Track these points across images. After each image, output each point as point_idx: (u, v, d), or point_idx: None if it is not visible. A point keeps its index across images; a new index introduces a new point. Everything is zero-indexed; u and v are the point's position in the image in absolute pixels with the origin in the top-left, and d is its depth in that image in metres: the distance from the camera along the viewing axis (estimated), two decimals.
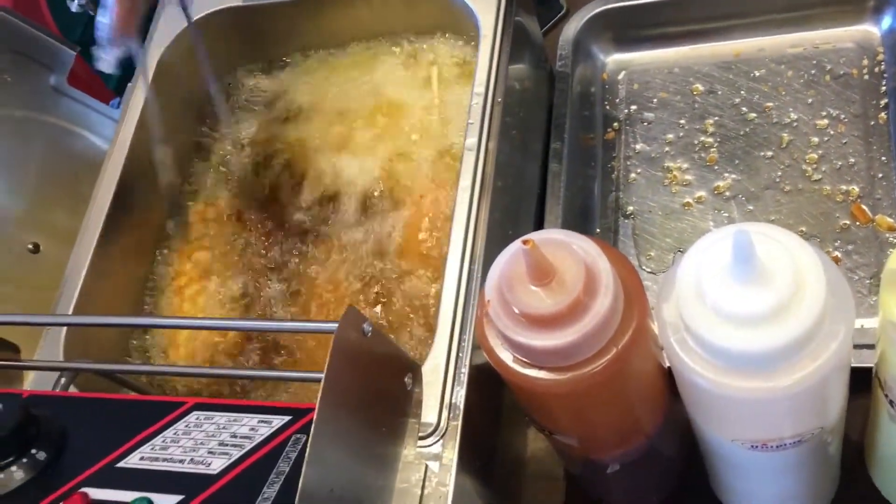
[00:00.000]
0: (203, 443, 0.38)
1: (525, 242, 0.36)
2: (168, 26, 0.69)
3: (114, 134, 0.65)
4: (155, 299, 0.66)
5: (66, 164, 0.74)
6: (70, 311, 0.57)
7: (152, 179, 0.67)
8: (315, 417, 0.35)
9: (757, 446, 0.41)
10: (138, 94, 0.66)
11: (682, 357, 0.38)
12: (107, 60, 0.54)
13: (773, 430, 0.40)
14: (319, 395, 0.36)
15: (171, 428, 0.40)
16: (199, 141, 0.72)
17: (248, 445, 0.38)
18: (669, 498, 0.56)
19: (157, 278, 0.66)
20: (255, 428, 0.39)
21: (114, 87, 0.90)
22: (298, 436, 0.38)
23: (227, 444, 0.38)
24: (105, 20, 0.53)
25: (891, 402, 0.40)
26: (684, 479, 0.55)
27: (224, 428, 0.39)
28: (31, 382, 0.54)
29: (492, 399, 0.54)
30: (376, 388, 0.42)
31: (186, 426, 0.40)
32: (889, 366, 0.38)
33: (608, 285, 0.38)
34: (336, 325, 0.37)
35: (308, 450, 0.34)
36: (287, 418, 0.39)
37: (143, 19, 0.55)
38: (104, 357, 0.59)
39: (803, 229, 0.62)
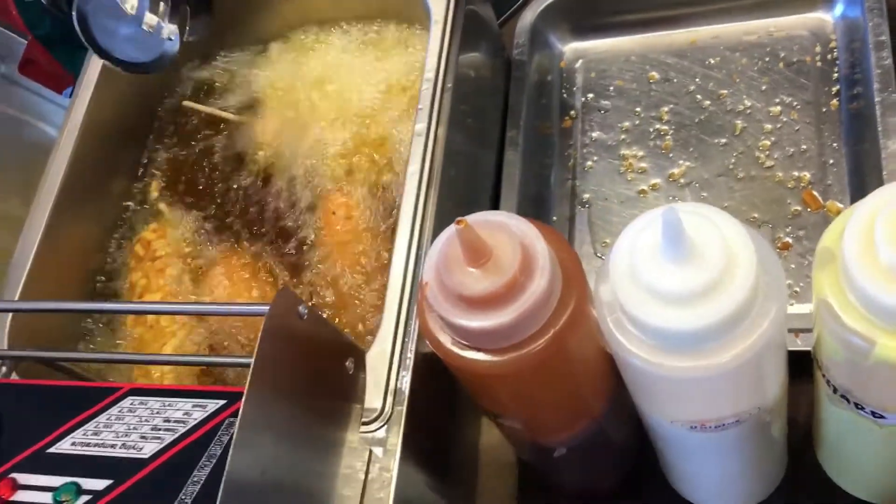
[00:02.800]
0: (136, 427, 0.38)
1: (458, 223, 0.36)
2: None
3: (62, 122, 0.64)
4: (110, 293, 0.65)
5: (18, 153, 0.73)
6: (16, 298, 0.56)
7: (103, 167, 0.66)
8: (243, 401, 0.35)
9: (696, 427, 0.41)
10: (87, 82, 0.65)
11: (617, 337, 0.38)
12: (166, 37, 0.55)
13: (710, 410, 0.40)
14: (248, 379, 0.35)
15: (105, 413, 0.39)
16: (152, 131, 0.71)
17: (182, 430, 0.37)
18: (624, 481, 0.56)
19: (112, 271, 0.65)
20: (189, 412, 0.38)
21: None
22: (231, 419, 0.37)
23: (159, 429, 0.38)
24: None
25: (828, 382, 0.40)
26: (639, 462, 0.55)
27: (158, 413, 0.39)
28: None
29: (443, 386, 0.54)
30: (314, 372, 0.41)
31: (120, 411, 0.39)
32: (824, 346, 0.38)
33: (544, 266, 0.38)
34: (267, 307, 0.37)
35: (235, 433, 0.34)
36: (221, 402, 0.38)
37: None
38: (53, 345, 0.58)
39: (756, 215, 0.62)
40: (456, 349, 0.40)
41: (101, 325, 0.62)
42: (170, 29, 0.57)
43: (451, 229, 0.39)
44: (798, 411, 0.51)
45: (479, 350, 0.39)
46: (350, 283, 0.59)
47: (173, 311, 0.57)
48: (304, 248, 0.62)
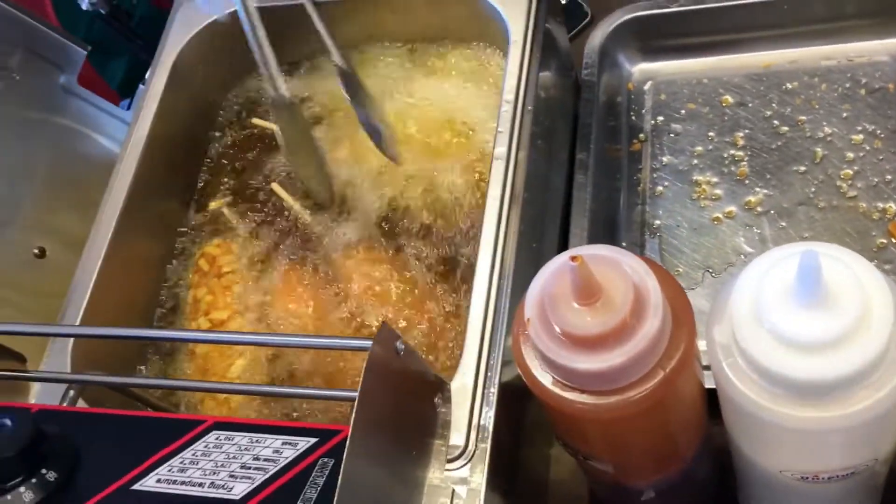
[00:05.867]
0: (224, 465, 0.36)
1: (573, 259, 0.34)
2: (185, 25, 0.67)
3: (126, 136, 0.63)
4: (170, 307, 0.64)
5: (75, 166, 0.71)
6: (78, 321, 0.55)
7: (166, 184, 0.65)
8: (349, 439, 0.33)
9: (807, 478, 0.39)
10: (153, 96, 0.64)
11: (734, 382, 0.35)
12: None
13: (825, 461, 0.37)
14: (353, 415, 0.34)
15: (190, 448, 0.37)
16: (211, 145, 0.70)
17: (273, 469, 0.36)
18: None
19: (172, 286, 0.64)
20: (280, 450, 0.36)
21: (116, 87, 0.87)
22: (326, 460, 0.36)
23: (249, 468, 0.36)
24: None
25: None
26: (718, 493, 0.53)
27: (246, 450, 0.37)
28: (37, 395, 0.51)
29: (515, 419, 0.52)
30: (406, 408, 0.40)
31: (206, 446, 0.37)
32: None
33: (657, 306, 0.36)
34: (370, 342, 0.35)
35: (341, 474, 0.32)
36: (313, 440, 0.37)
37: None
38: (115, 370, 0.57)
39: None
40: (557, 389, 0.38)
41: (165, 343, 0.61)
42: None
43: (557, 262, 0.37)
44: None
45: (581, 391, 0.37)
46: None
47: (271, 343, 0.55)
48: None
